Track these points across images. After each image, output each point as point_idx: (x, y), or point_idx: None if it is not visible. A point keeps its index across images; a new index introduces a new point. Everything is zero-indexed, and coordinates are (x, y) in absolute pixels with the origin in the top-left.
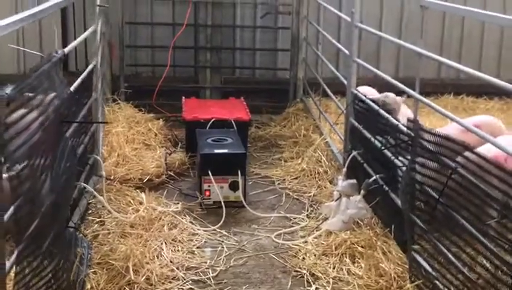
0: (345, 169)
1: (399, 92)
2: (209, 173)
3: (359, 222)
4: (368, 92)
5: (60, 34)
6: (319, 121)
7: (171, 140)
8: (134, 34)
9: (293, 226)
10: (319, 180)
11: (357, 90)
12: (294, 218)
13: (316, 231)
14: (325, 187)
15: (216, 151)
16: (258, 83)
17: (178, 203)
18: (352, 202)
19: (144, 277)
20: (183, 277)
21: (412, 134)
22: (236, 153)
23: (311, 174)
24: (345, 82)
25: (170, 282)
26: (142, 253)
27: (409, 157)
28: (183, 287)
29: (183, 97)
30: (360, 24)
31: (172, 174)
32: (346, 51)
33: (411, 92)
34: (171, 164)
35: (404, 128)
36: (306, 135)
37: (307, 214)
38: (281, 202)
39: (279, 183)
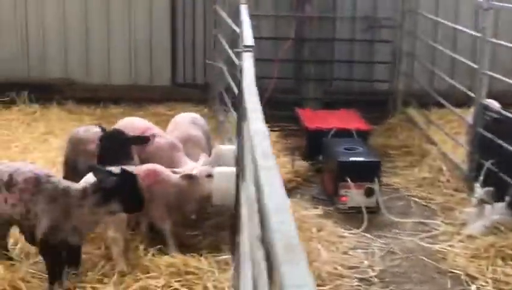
0: (481, 177)
1: None
2: (348, 179)
3: (498, 227)
4: (493, 104)
5: None
6: (428, 131)
7: (289, 148)
8: None
9: (431, 231)
10: (444, 188)
11: (487, 102)
12: (430, 224)
13: (457, 235)
14: (451, 195)
15: (352, 159)
16: (355, 94)
17: (318, 207)
18: (497, 208)
19: (316, 274)
20: (348, 275)
21: None
22: (373, 161)
23: (434, 183)
24: (472, 94)
25: (338, 279)
26: (309, 252)
27: None
28: (352, 285)
29: (297, 108)
30: (493, 39)
31: (300, 180)
32: (475, 65)
33: None
34: (298, 170)
35: None
36: (419, 145)
37: (442, 220)
38: (410, 208)
39: (403, 191)
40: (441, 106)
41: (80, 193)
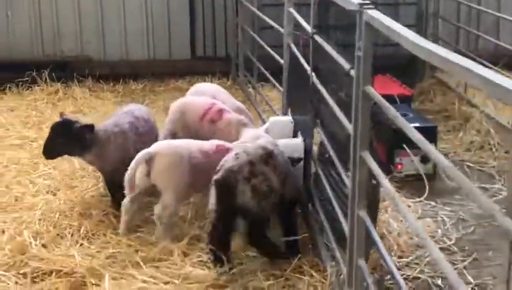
0: None
1: None
2: (405, 146)
3: None
4: None
5: None
6: (465, 93)
7: None
8: None
9: (495, 196)
10: (496, 151)
11: None
12: (491, 188)
13: None
14: (505, 158)
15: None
16: (381, 59)
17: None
18: None
19: (395, 246)
20: (426, 245)
21: None
22: (428, 127)
23: (483, 146)
24: None
25: (417, 250)
26: (383, 222)
27: None
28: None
29: None
30: None
31: None
32: None
33: None
34: None
35: None
36: (459, 108)
37: (502, 184)
38: (465, 173)
39: (452, 156)
40: None
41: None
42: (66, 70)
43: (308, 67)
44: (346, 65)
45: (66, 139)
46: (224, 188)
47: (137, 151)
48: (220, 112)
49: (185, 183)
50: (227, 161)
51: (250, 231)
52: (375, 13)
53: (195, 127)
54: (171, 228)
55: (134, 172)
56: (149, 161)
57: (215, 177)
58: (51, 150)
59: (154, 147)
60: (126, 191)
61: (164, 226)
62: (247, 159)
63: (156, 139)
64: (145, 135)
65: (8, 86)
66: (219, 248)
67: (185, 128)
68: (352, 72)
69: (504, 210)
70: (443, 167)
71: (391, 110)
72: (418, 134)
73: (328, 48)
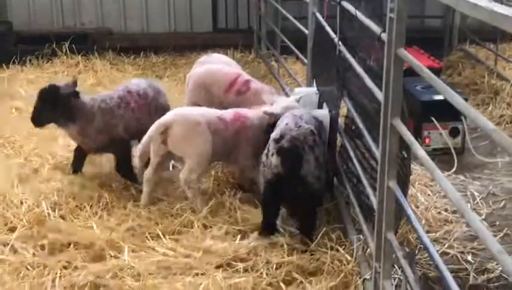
0: None
1: None
2: (434, 120)
3: None
4: None
5: None
6: (495, 67)
7: None
8: None
9: None
10: None
11: None
12: None
13: None
14: None
15: (437, 97)
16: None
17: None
18: None
19: (423, 220)
20: (455, 220)
21: None
22: None
23: None
24: None
25: (445, 225)
26: (410, 196)
27: None
28: (462, 230)
29: None
30: None
31: None
32: None
33: None
34: None
35: None
36: (488, 81)
37: None
38: (495, 147)
39: (481, 130)
40: (495, 40)
41: None
42: (86, 42)
43: (334, 36)
44: (377, 29)
45: (51, 106)
46: (291, 156)
47: (128, 129)
48: (247, 82)
49: (205, 148)
50: (290, 129)
51: (300, 208)
52: None
53: (220, 98)
54: (200, 194)
55: (148, 144)
56: (164, 130)
57: (279, 144)
58: (39, 117)
59: (169, 116)
60: (135, 162)
61: (193, 191)
62: (309, 128)
63: (152, 116)
64: (138, 110)
65: (28, 58)
66: (271, 217)
67: (208, 99)
68: (384, 36)
69: None
70: (489, 130)
71: (428, 74)
72: (458, 97)
73: (358, 13)
